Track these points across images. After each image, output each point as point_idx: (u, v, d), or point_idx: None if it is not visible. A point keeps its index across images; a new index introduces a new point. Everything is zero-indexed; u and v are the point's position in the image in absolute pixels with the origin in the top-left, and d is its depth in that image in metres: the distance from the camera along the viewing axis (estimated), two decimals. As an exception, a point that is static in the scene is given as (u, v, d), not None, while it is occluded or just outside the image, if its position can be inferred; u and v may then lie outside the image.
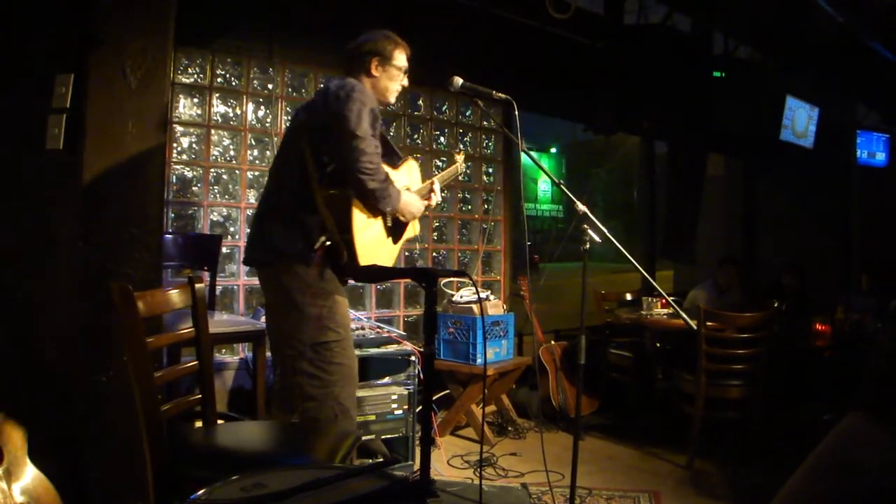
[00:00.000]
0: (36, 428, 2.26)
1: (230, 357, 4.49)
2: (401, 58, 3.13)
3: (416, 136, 5.51)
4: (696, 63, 6.25)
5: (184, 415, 2.56)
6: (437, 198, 3.38)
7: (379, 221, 3.01)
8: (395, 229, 3.15)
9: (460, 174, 3.75)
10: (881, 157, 8.86)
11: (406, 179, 3.24)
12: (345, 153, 2.76)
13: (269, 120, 4.72)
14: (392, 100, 3.20)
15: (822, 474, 1.32)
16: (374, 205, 2.86)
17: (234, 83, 4.61)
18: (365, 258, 2.86)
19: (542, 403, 5.22)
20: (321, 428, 2.77)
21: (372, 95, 2.95)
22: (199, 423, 2.61)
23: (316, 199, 2.84)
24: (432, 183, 3.38)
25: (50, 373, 2.90)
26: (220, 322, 3.76)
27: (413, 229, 3.35)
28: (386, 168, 2.94)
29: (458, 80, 3.02)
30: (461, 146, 5.83)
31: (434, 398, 4.75)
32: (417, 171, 3.41)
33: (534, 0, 5.37)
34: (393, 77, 3.12)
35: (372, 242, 2.95)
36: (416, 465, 3.93)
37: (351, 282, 4.85)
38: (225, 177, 4.61)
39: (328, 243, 2.84)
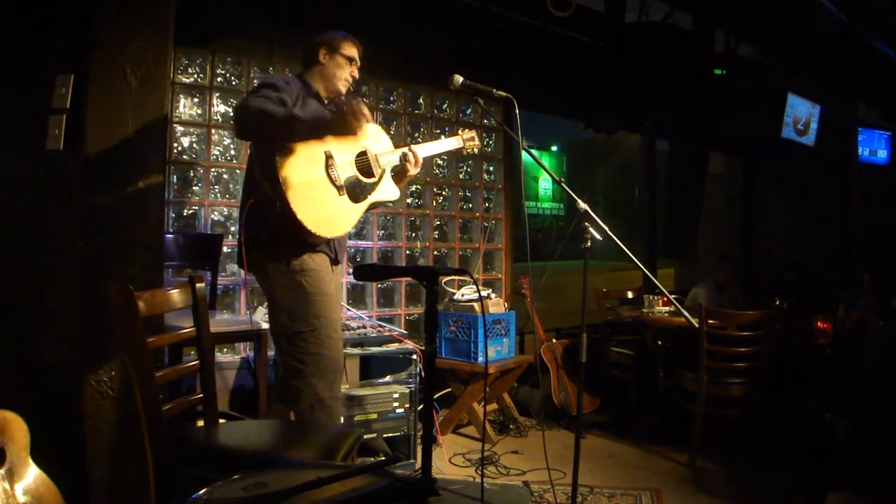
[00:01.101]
0: (38, 428, 2.26)
1: (231, 356, 4.49)
2: (349, 49, 3.23)
3: (416, 135, 5.50)
4: (698, 61, 6.23)
5: (185, 414, 2.56)
6: (419, 155, 3.38)
7: (321, 174, 2.97)
8: (355, 188, 3.12)
9: (461, 149, 3.72)
10: (883, 154, 8.85)
11: (366, 141, 3.22)
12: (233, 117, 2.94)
13: (269, 119, 4.71)
14: (342, 89, 3.26)
15: None
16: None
17: (234, 83, 4.61)
18: (302, 206, 2.82)
19: (544, 401, 5.23)
20: (322, 427, 2.77)
21: (276, 75, 3.10)
22: (200, 423, 2.61)
23: (256, 173, 2.91)
24: (408, 146, 3.39)
25: (51, 373, 2.90)
26: (221, 321, 3.76)
27: (387, 192, 3.33)
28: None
29: (459, 79, 3.02)
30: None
31: (435, 396, 4.75)
32: (382, 133, 3.39)
33: (534, -2, 5.37)
34: (340, 65, 3.21)
35: (312, 191, 2.91)
36: (418, 464, 3.93)
37: (352, 280, 4.87)
38: (225, 176, 4.61)
39: (256, 199, 2.87)
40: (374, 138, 3.30)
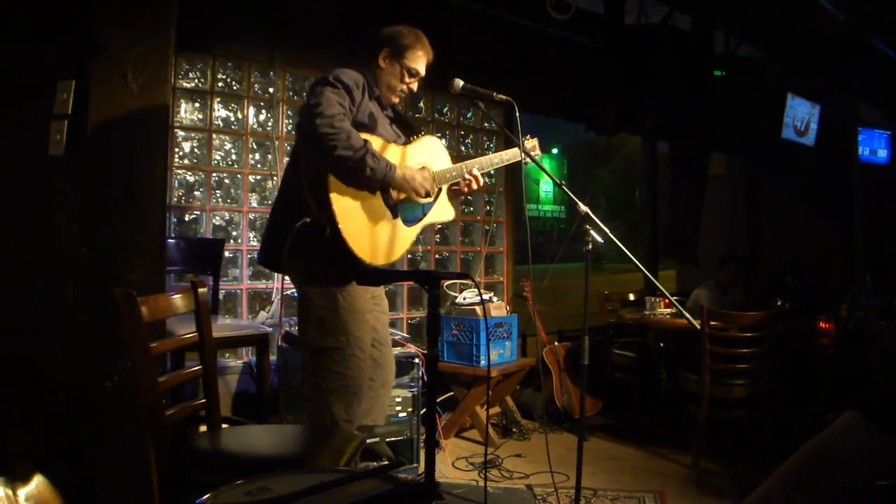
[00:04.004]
0: (41, 433, 2.26)
1: (234, 361, 4.49)
2: (415, 58, 2.98)
3: (415, 126, 5.50)
4: (697, 62, 6.24)
5: (188, 419, 2.56)
6: (478, 176, 3.12)
7: (375, 194, 2.82)
8: (410, 209, 2.97)
9: (523, 161, 3.26)
10: (883, 154, 8.85)
11: (424, 157, 3.02)
12: (305, 129, 2.67)
13: (270, 124, 4.73)
14: (394, 100, 3.05)
15: (803, 466, 1.33)
16: (354, 178, 2.67)
17: (235, 87, 4.62)
18: (353, 232, 2.69)
19: (547, 404, 5.22)
20: (326, 431, 2.77)
21: (353, 73, 2.81)
22: (203, 428, 2.61)
23: (304, 187, 2.74)
24: (468, 168, 3.12)
25: (55, 379, 2.90)
26: (223, 326, 3.76)
27: (442, 213, 3.14)
28: (393, 147, 2.87)
29: (459, 83, 3.01)
30: (462, 148, 5.84)
31: (438, 400, 4.75)
32: (441, 147, 3.16)
33: (534, 1, 5.37)
34: (398, 75, 2.97)
35: (365, 216, 2.77)
36: (421, 468, 3.93)
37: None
38: (227, 181, 4.62)
39: (305, 220, 2.71)
40: (432, 151, 3.08)
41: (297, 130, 2.87)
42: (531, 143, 3.41)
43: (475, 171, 3.13)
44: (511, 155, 3.34)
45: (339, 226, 2.66)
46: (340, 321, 2.80)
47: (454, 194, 3.20)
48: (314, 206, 2.70)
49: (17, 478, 2.10)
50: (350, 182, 2.71)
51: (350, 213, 2.72)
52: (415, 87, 3.06)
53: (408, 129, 3.13)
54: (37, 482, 2.17)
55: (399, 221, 2.93)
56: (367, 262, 2.74)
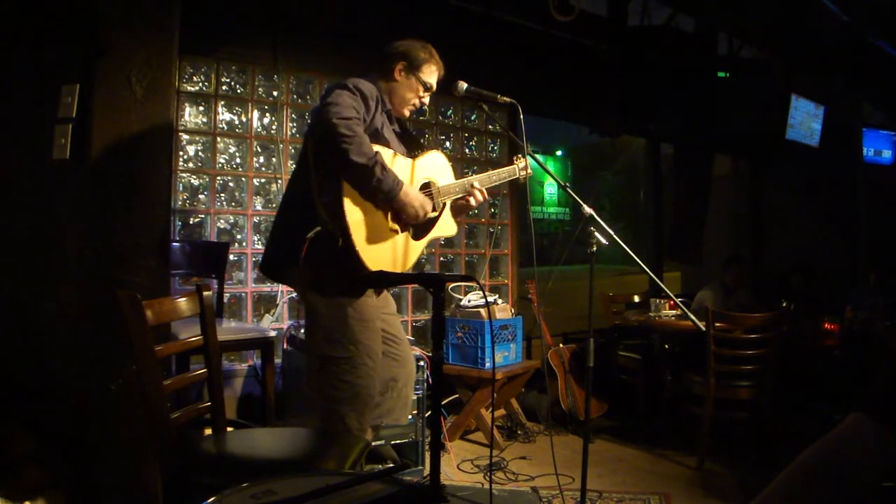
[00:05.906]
0: (47, 437, 2.26)
1: (239, 364, 4.49)
2: (429, 73, 2.99)
3: (421, 141, 5.50)
4: (701, 63, 6.24)
5: (193, 422, 2.56)
6: (484, 190, 3.11)
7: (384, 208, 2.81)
8: (417, 224, 2.96)
9: (520, 178, 3.36)
10: (887, 154, 8.81)
11: (429, 172, 3.00)
12: (319, 128, 2.65)
13: (274, 127, 4.74)
14: (406, 113, 3.05)
15: (809, 469, 1.33)
16: (361, 185, 2.67)
17: (239, 91, 4.63)
18: (364, 245, 2.68)
19: (552, 407, 5.21)
20: (331, 435, 2.77)
21: (370, 85, 2.80)
22: (208, 431, 2.61)
23: (314, 194, 2.71)
24: (469, 182, 3.11)
25: (59, 382, 2.90)
26: (228, 329, 3.77)
27: (446, 228, 3.14)
28: (401, 159, 2.86)
29: (463, 85, 3.01)
30: (467, 150, 5.84)
31: (443, 403, 4.74)
32: (446, 163, 3.13)
33: (537, 3, 5.37)
34: (413, 88, 2.98)
35: (374, 229, 2.76)
36: (426, 470, 3.93)
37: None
38: (231, 184, 4.63)
39: (317, 229, 2.66)
40: (436, 167, 3.07)
41: (308, 133, 2.86)
42: (523, 162, 3.38)
43: (477, 185, 3.12)
44: (508, 173, 3.34)
45: (352, 236, 2.65)
46: (349, 331, 2.77)
47: (457, 210, 3.19)
48: (326, 216, 2.67)
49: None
50: (357, 188, 2.70)
51: (362, 224, 2.70)
52: (426, 100, 3.08)
53: (413, 145, 3.11)
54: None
55: (407, 234, 2.93)
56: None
